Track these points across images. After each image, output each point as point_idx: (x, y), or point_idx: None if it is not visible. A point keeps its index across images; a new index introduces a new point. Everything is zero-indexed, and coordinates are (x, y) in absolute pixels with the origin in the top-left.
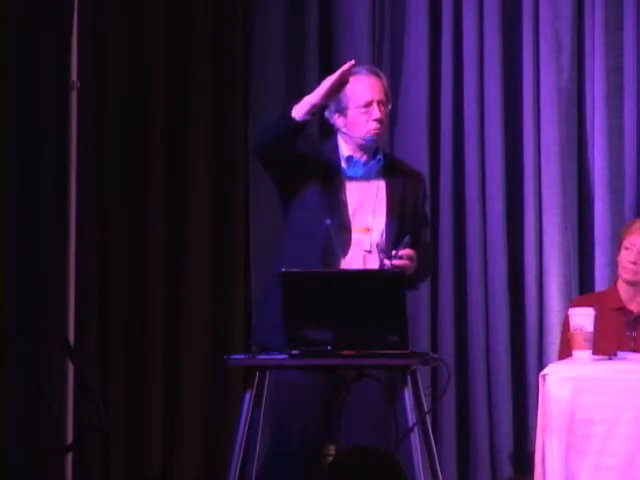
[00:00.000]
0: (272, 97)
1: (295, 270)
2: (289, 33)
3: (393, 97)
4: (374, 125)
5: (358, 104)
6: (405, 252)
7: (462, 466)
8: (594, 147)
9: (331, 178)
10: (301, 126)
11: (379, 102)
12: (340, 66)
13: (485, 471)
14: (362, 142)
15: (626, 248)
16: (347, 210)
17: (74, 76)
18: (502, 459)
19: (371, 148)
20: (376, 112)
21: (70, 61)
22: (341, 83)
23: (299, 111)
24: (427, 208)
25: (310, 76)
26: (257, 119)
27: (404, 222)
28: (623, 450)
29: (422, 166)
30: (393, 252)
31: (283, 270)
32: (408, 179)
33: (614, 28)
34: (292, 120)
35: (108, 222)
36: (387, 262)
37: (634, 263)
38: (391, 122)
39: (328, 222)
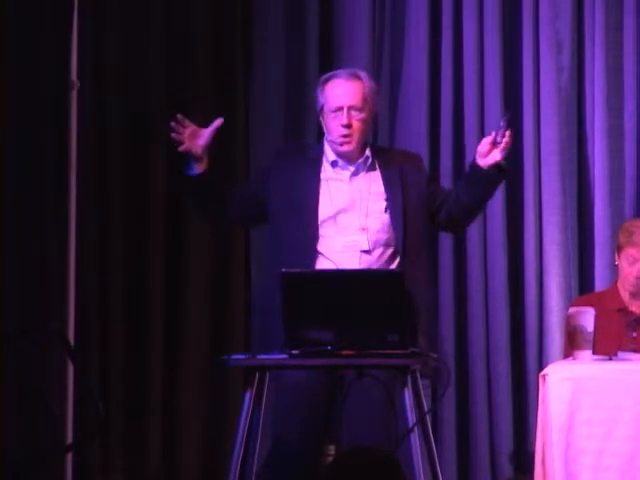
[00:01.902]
0: (272, 97)
1: (295, 270)
2: (289, 33)
3: (393, 97)
4: (341, 131)
5: (329, 108)
6: (508, 132)
7: (462, 466)
8: (594, 147)
9: (306, 185)
10: (195, 179)
11: (350, 108)
12: (340, 66)
13: (485, 471)
14: (332, 145)
15: (628, 260)
16: (317, 217)
17: (74, 76)
18: (502, 459)
19: (347, 153)
20: (343, 118)
21: (70, 61)
22: (190, 135)
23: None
24: (438, 183)
25: (310, 76)
26: (257, 119)
27: (409, 212)
28: (623, 450)
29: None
30: (492, 133)
31: (283, 270)
32: (403, 166)
33: (614, 28)
34: (186, 177)
35: (108, 222)
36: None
37: (639, 278)
38: (391, 121)
39: (307, 262)
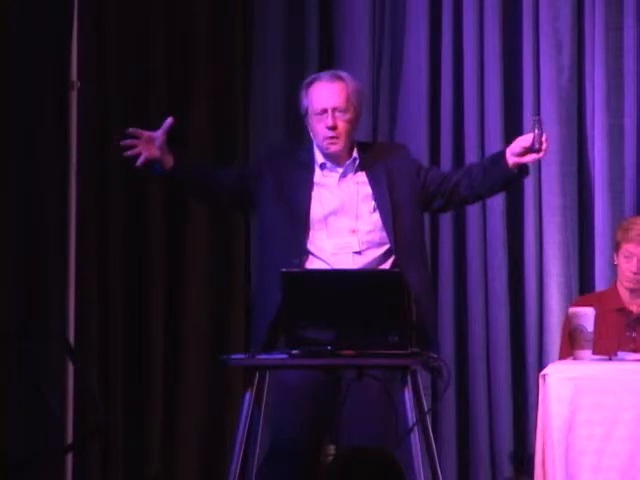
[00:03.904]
0: (272, 97)
1: (295, 270)
2: (289, 33)
3: (393, 96)
4: (327, 133)
5: (314, 111)
6: (544, 137)
7: (462, 466)
8: (594, 147)
9: (297, 187)
10: (168, 176)
11: (334, 109)
12: (340, 66)
13: (485, 471)
14: (320, 148)
15: (625, 257)
16: (308, 218)
17: (74, 76)
18: (502, 459)
19: (335, 154)
20: (328, 120)
21: (70, 61)
22: (146, 142)
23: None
24: (431, 169)
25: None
26: (257, 119)
27: (398, 209)
28: (623, 450)
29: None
30: (530, 137)
31: (283, 270)
32: (388, 162)
33: (614, 28)
34: (161, 178)
35: (108, 222)
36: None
37: (636, 274)
38: (391, 121)
39: (296, 261)
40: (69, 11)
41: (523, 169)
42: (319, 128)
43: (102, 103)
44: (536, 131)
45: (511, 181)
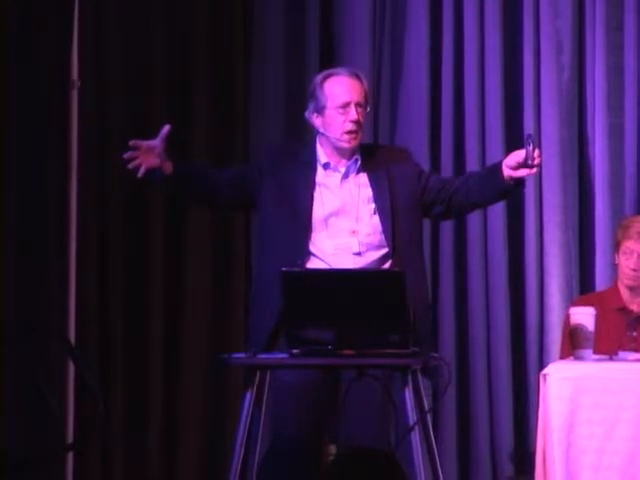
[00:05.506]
0: (272, 97)
1: (295, 270)
2: (289, 33)
3: (393, 96)
4: (350, 126)
5: (335, 104)
6: (537, 153)
7: (462, 466)
8: (595, 147)
9: (299, 187)
10: (168, 181)
11: (357, 104)
12: (341, 66)
13: (485, 470)
14: (337, 143)
15: (625, 253)
16: (310, 219)
17: (74, 75)
18: (502, 459)
19: (347, 150)
20: (353, 113)
21: (70, 60)
22: (145, 152)
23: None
24: (431, 175)
25: (310, 76)
26: (257, 119)
27: (398, 213)
28: (623, 449)
29: (422, 165)
30: (524, 152)
31: (284, 270)
32: (391, 165)
33: (615, 27)
34: (159, 184)
35: (108, 222)
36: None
37: (635, 270)
38: (391, 121)
39: (297, 261)
40: (69, 11)
41: (520, 181)
42: (339, 122)
43: (102, 103)
44: (529, 147)
45: (507, 192)
